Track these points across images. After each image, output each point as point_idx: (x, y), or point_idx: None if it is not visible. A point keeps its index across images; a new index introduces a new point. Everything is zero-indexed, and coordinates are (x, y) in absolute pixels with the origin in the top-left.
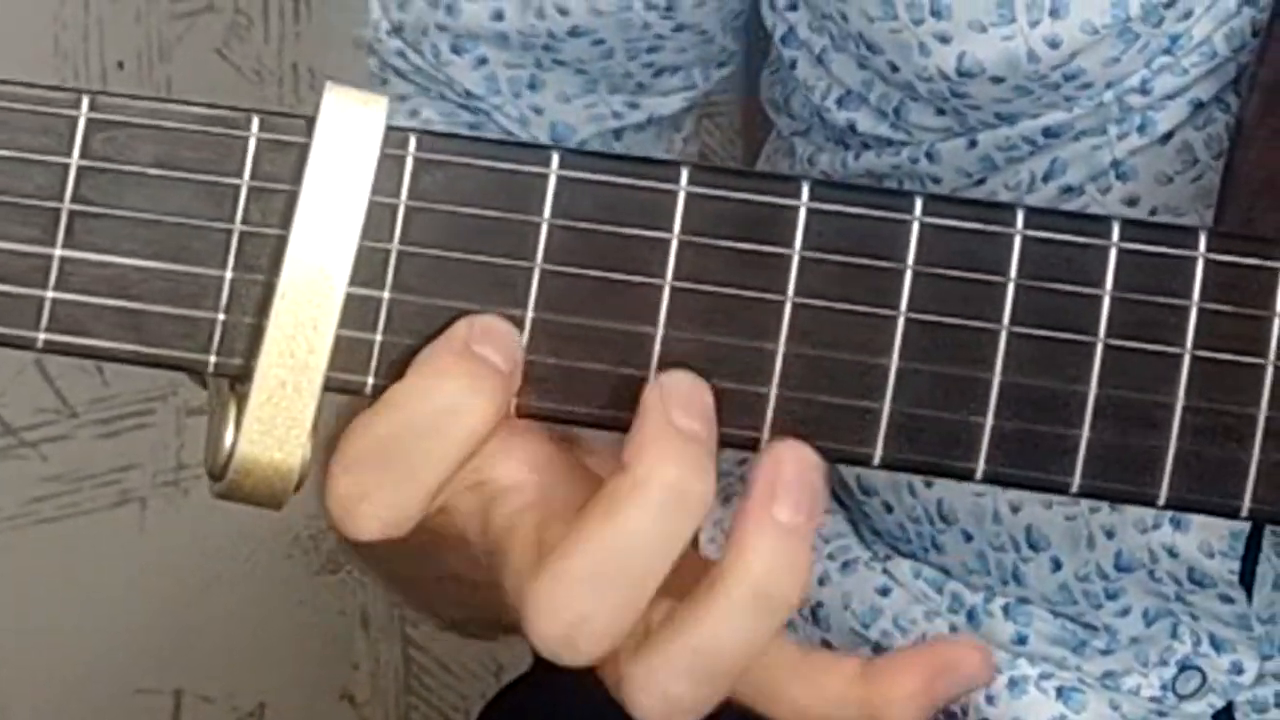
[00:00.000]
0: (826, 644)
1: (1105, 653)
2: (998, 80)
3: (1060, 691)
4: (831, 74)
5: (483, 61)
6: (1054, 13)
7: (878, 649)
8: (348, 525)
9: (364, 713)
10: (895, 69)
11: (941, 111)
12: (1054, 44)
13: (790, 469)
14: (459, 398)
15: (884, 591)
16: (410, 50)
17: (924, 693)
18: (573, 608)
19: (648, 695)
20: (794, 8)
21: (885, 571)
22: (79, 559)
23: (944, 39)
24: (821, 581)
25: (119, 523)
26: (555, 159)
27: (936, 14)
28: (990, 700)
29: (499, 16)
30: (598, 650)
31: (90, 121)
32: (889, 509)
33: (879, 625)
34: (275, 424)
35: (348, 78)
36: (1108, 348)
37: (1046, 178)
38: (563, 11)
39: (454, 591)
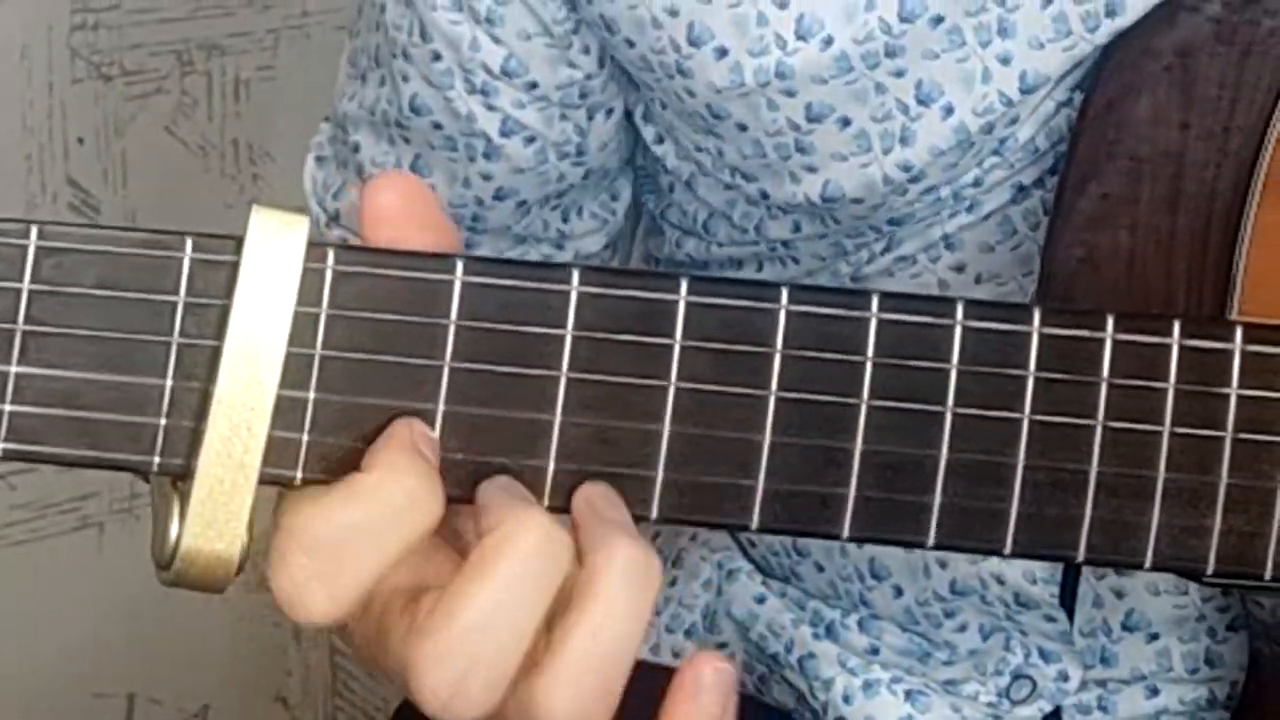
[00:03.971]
0: (721, 645)
1: (947, 663)
2: (857, 201)
3: (909, 694)
4: (699, 197)
5: None
6: (904, 141)
7: (758, 648)
8: (296, 607)
9: (296, 714)
10: (766, 195)
11: (798, 228)
12: (906, 168)
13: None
14: (419, 493)
15: (760, 600)
16: (351, 235)
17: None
18: (456, 663)
19: (562, 699)
20: (660, 140)
21: (763, 583)
22: (44, 577)
23: (811, 169)
24: (719, 591)
25: (79, 545)
26: (459, 266)
27: (802, 150)
28: (847, 700)
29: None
30: (483, 704)
31: (39, 249)
32: (752, 544)
33: (757, 629)
34: (216, 518)
35: (282, 152)
36: (956, 416)
37: (885, 251)
38: (486, 177)
39: None
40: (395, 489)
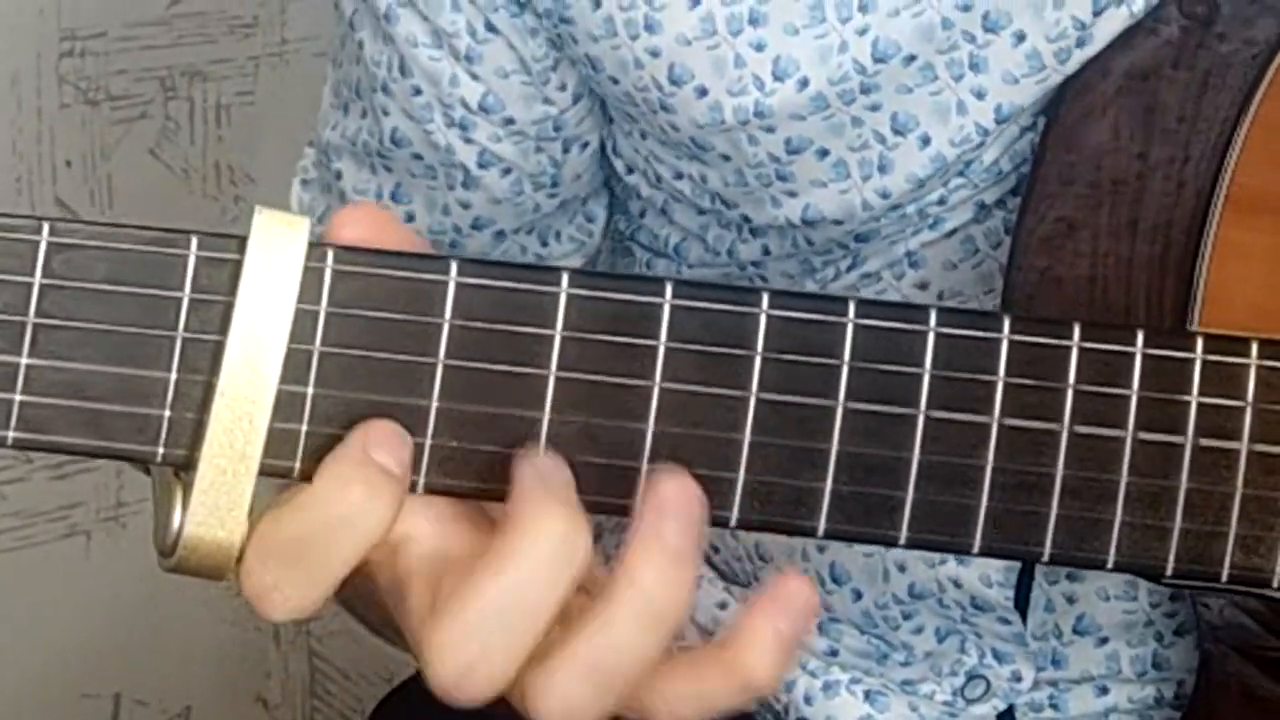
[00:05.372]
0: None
1: (904, 664)
2: (837, 223)
3: (868, 695)
4: (674, 222)
5: None
6: (882, 169)
7: None
8: (260, 608)
9: (275, 714)
10: (748, 219)
11: (767, 251)
12: (884, 195)
13: (673, 495)
14: (359, 504)
15: (722, 606)
16: None
17: (775, 637)
18: (467, 650)
19: (549, 702)
20: (630, 171)
21: (725, 589)
22: (33, 583)
23: (792, 194)
24: None
25: (67, 552)
26: (454, 267)
27: (783, 179)
28: (808, 701)
29: (410, 218)
30: (490, 690)
31: (50, 245)
32: (715, 550)
33: (720, 634)
34: (218, 506)
35: (262, 174)
36: (928, 419)
37: (850, 268)
38: (465, 205)
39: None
40: (337, 502)
